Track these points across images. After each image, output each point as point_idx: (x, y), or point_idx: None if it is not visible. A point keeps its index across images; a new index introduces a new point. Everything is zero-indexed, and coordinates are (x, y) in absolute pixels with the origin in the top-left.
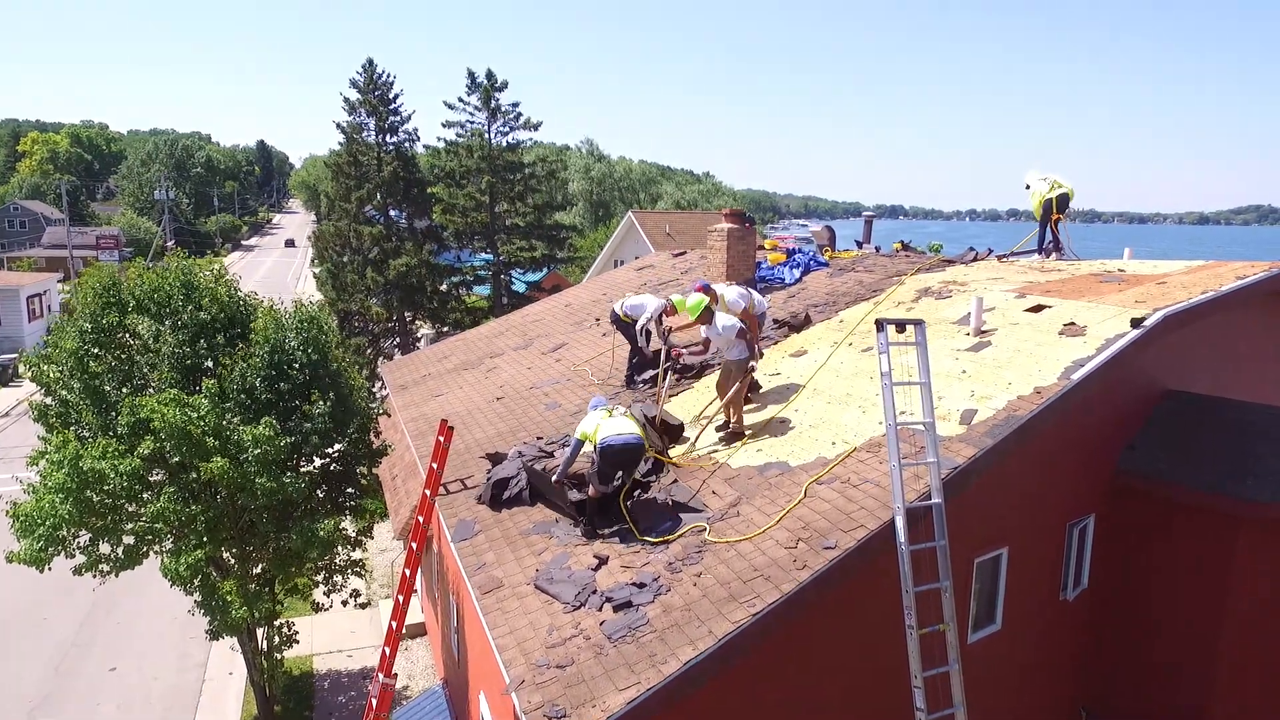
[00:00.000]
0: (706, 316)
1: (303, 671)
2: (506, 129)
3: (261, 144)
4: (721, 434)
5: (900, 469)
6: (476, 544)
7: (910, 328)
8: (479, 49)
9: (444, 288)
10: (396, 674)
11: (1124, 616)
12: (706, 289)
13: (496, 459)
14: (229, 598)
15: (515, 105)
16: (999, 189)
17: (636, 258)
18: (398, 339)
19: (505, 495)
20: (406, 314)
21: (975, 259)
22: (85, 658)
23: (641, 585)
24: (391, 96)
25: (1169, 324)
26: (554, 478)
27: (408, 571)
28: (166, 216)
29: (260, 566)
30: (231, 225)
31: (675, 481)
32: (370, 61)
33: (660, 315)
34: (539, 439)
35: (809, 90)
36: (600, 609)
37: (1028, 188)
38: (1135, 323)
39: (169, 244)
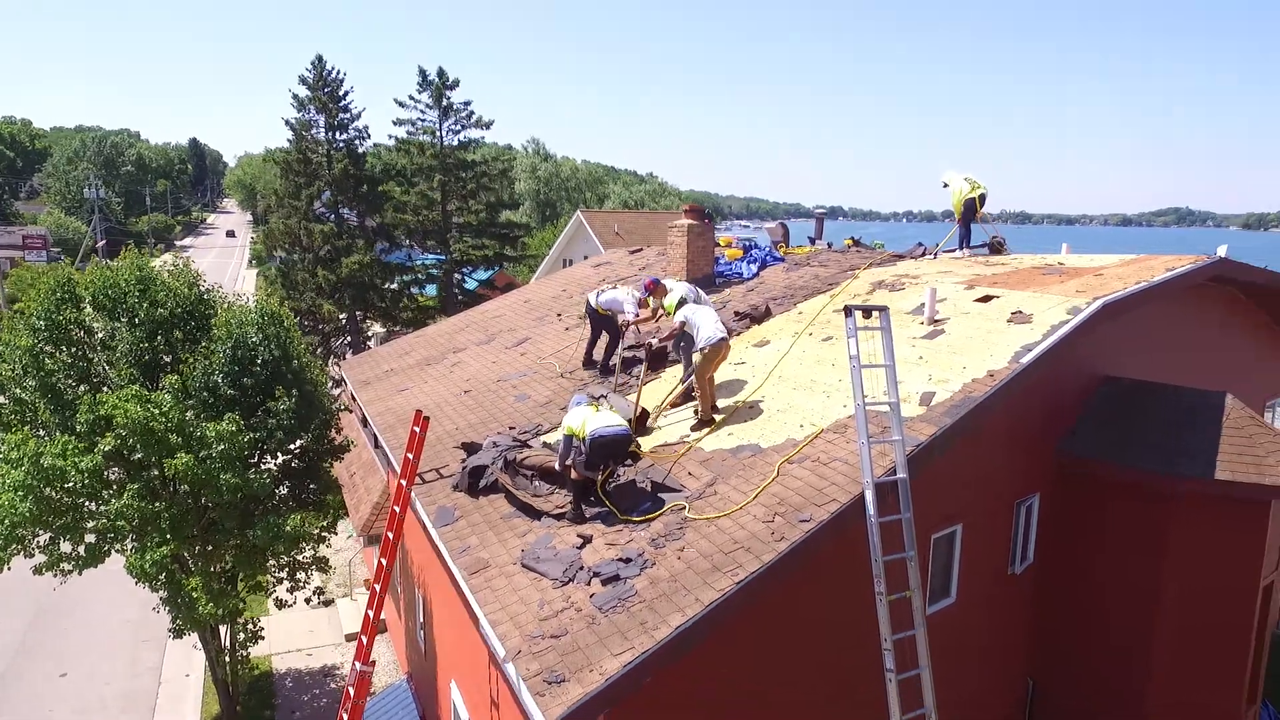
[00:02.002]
0: (679, 306)
1: (262, 671)
2: (458, 127)
3: (194, 142)
4: (693, 420)
5: (869, 446)
6: (459, 529)
7: (876, 314)
8: (418, 45)
9: (395, 286)
10: (375, 661)
11: (1067, 591)
12: (657, 284)
13: (471, 448)
14: (194, 594)
15: (467, 104)
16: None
17: (586, 256)
18: (348, 338)
19: (482, 483)
20: (358, 313)
21: (923, 254)
22: (32, 665)
23: (628, 560)
24: (341, 94)
25: (1106, 312)
26: (556, 466)
27: (383, 561)
28: (97, 216)
29: (223, 564)
30: (164, 225)
31: (652, 465)
32: (320, 58)
33: (634, 315)
34: (511, 429)
35: (751, 94)
36: (589, 583)
37: (945, 185)
38: (1075, 311)
39: (100, 243)
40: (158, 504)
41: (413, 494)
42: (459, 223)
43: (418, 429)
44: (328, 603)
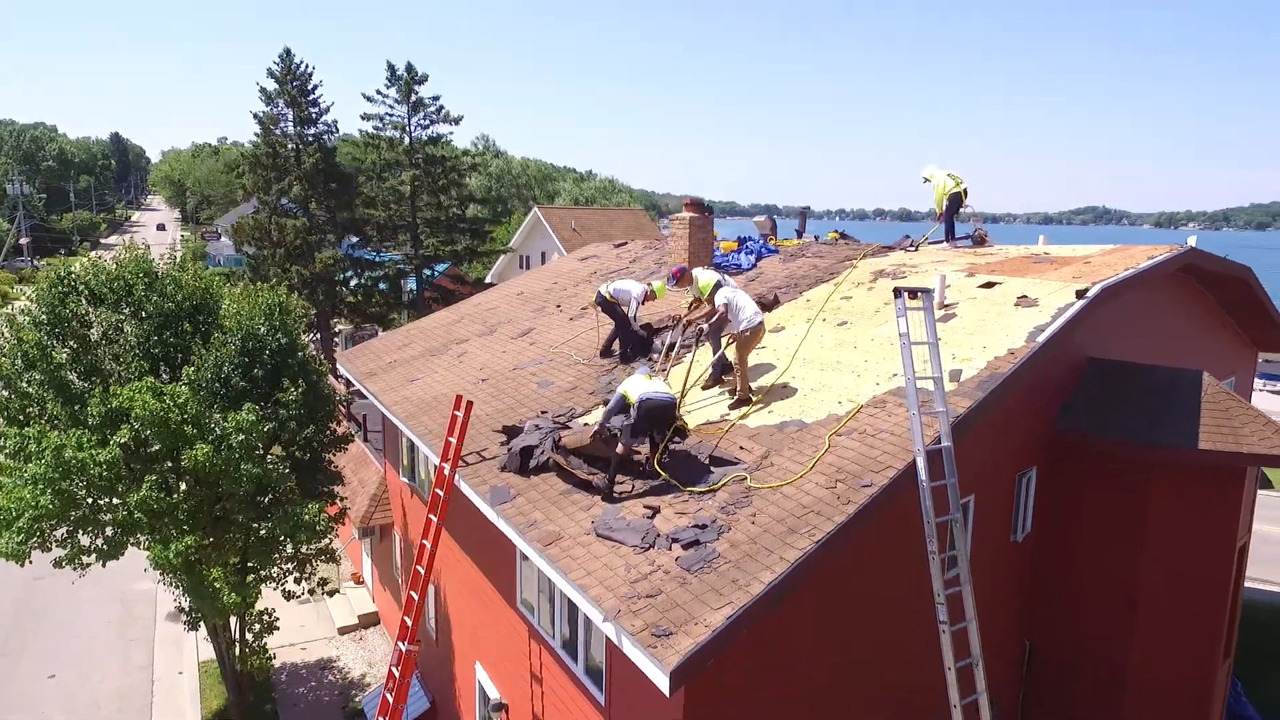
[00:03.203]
0: (715, 290)
1: (261, 665)
2: (427, 122)
3: (116, 137)
4: (731, 399)
5: (919, 416)
6: (519, 506)
7: (921, 296)
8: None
9: (365, 282)
10: (420, 640)
11: (1060, 556)
12: (684, 272)
13: (513, 431)
14: (218, 585)
15: (436, 98)
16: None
17: (543, 253)
18: (317, 334)
19: (533, 463)
20: (327, 309)
21: (911, 246)
22: (17, 668)
23: (703, 526)
24: (310, 87)
25: (1104, 296)
26: (597, 424)
27: (427, 543)
28: (21, 213)
29: (237, 555)
30: (89, 223)
31: (700, 441)
32: (288, 51)
33: (644, 299)
34: (543, 413)
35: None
36: (670, 548)
37: (926, 180)
38: (1080, 294)
39: (24, 240)
40: (175, 496)
41: (457, 476)
42: (428, 218)
43: (459, 413)
44: (332, 593)
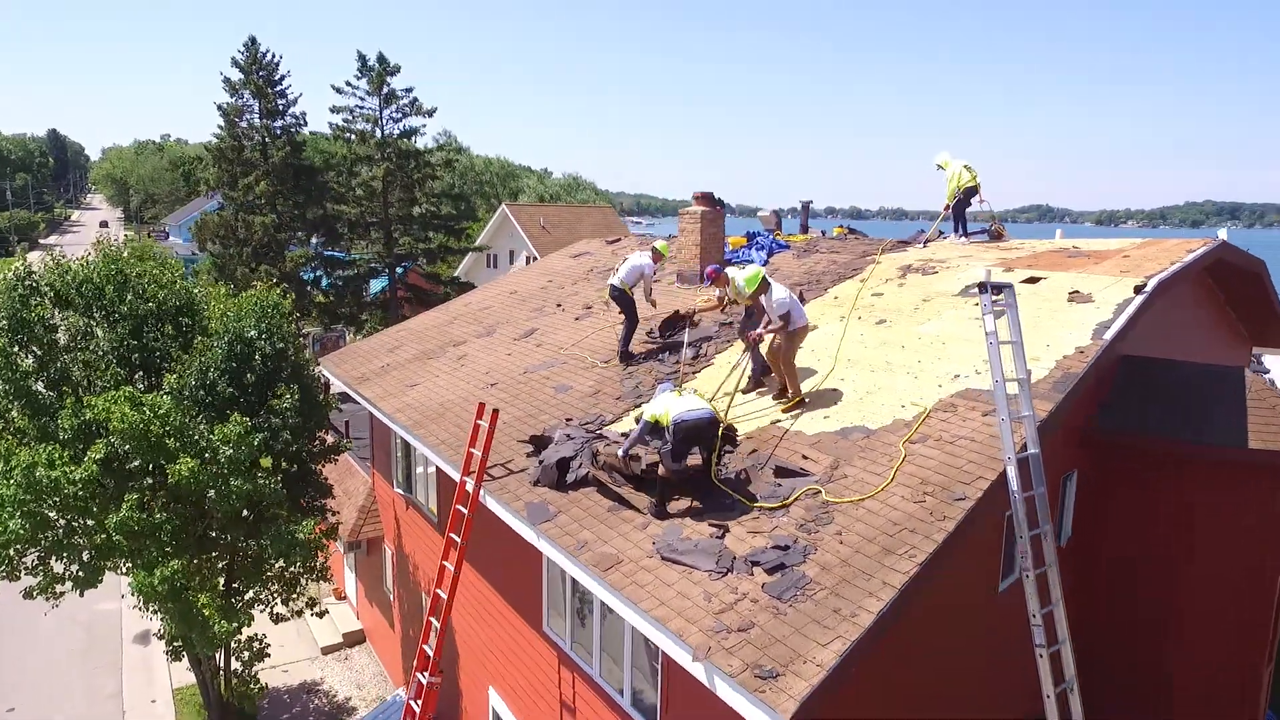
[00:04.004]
0: (764, 287)
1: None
2: (400, 115)
3: (53, 133)
4: (781, 403)
5: (1010, 422)
6: (563, 525)
7: (1003, 292)
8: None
9: (336, 282)
10: (443, 671)
11: (1100, 560)
12: (720, 272)
13: (541, 442)
14: (207, 612)
15: (409, 90)
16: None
17: (511, 251)
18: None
19: (571, 477)
20: (298, 310)
21: (926, 241)
22: None
23: (785, 548)
24: (277, 78)
25: (1157, 290)
26: (619, 452)
27: (449, 565)
28: None
29: (222, 577)
30: (28, 222)
31: (754, 451)
32: (253, 39)
33: (655, 266)
34: (568, 420)
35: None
36: (751, 573)
37: (940, 168)
38: (1138, 289)
39: None
40: (158, 515)
41: (483, 490)
42: (401, 214)
43: (482, 422)
44: (322, 614)
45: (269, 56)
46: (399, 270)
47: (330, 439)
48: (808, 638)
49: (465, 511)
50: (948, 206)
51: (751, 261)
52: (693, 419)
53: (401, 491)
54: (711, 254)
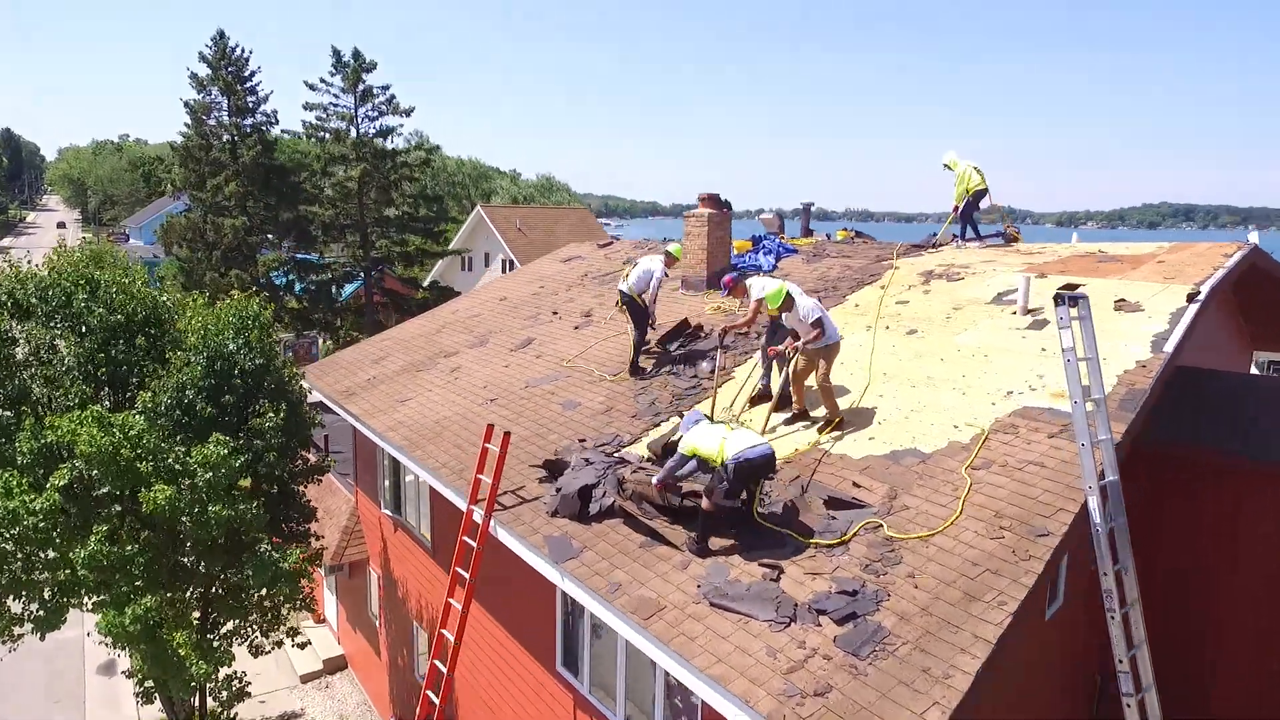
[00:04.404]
0: (788, 304)
1: None
2: (376, 114)
3: (7, 133)
4: (819, 424)
5: (1092, 447)
6: (589, 562)
7: (1078, 303)
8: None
9: (309, 286)
10: None
11: (1153, 573)
12: (738, 280)
13: (556, 466)
14: (183, 651)
15: (386, 88)
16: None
17: (486, 253)
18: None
19: (595, 507)
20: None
21: (937, 245)
22: None
23: (853, 593)
24: (247, 74)
25: (1207, 297)
26: (655, 480)
27: (455, 603)
28: None
29: (198, 609)
30: None
31: (796, 478)
32: (221, 33)
33: (667, 271)
34: (581, 441)
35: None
36: (818, 623)
37: (947, 168)
38: (1191, 297)
39: None
40: (130, 547)
41: (494, 522)
42: (378, 216)
43: (492, 446)
44: (304, 645)
45: (238, 51)
46: (374, 274)
47: (312, 457)
48: (899, 704)
49: (474, 544)
50: (956, 208)
51: (759, 266)
52: (757, 456)
53: (390, 513)
54: (718, 258)
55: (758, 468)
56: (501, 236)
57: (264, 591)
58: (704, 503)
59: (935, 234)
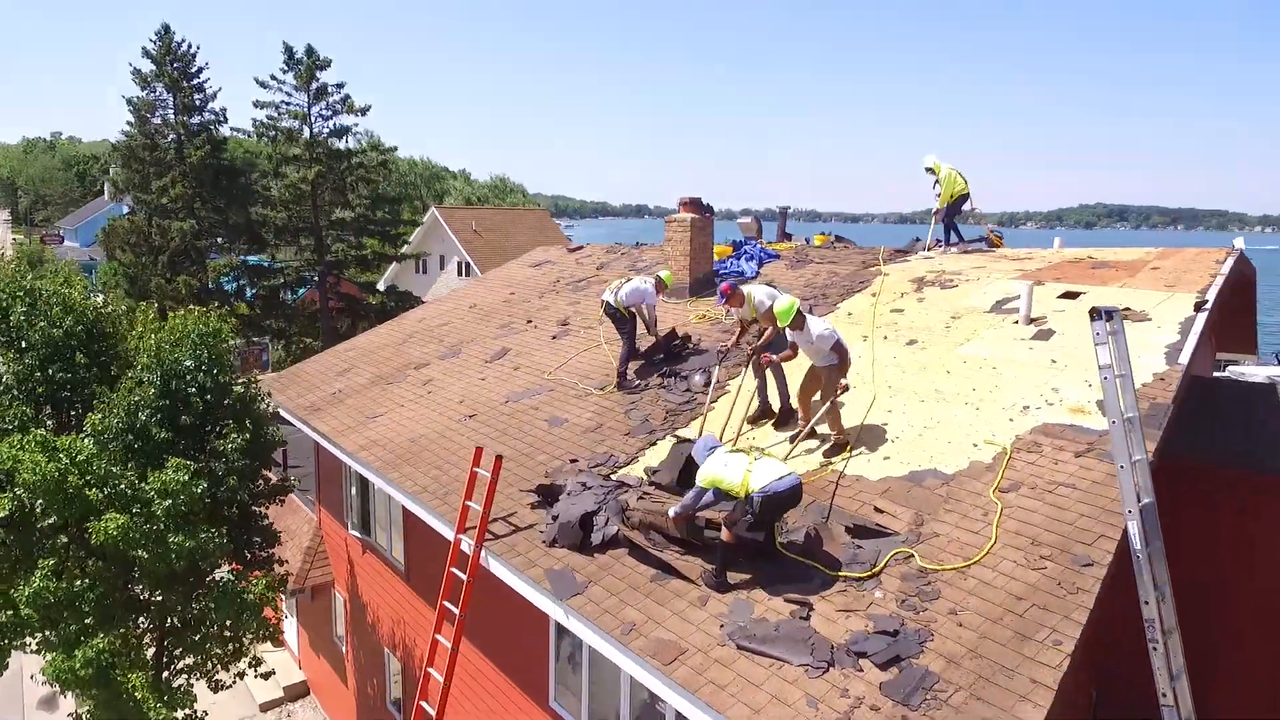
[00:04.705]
0: (799, 321)
1: None
2: (330, 113)
3: None
4: (825, 446)
5: (1132, 469)
6: (598, 599)
7: (1113, 317)
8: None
9: (261, 291)
10: None
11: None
12: (735, 290)
13: (550, 492)
14: (140, 694)
15: (340, 86)
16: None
17: (441, 256)
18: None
19: (598, 537)
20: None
21: (922, 249)
22: None
23: (893, 633)
24: (194, 70)
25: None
26: (671, 512)
27: (443, 639)
28: None
29: (156, 646)
30: None
31: (812, 502)
32: (166, 27)
33: (655, 300)
34: (573, 461)
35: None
36: (859, 668)
37: (930, 170)
38: (1198, 306)
39: None
40: (79, 582)
41: (486, 553)
42: (333, 219)
43: (482, 470)
44: (267, 675)
45: (184, 46)
46: (329, 279)
47: (273, 475)
48: None
49: (464, 577)
50: (939, 212)
51: (741, 272)
52: (786, 488)
53: (358, 534)
54: (701, 264)
55: (785, 500)
56: (457, 239)
57: (233, 624)
58: (724, 534)
59: (918, 238)
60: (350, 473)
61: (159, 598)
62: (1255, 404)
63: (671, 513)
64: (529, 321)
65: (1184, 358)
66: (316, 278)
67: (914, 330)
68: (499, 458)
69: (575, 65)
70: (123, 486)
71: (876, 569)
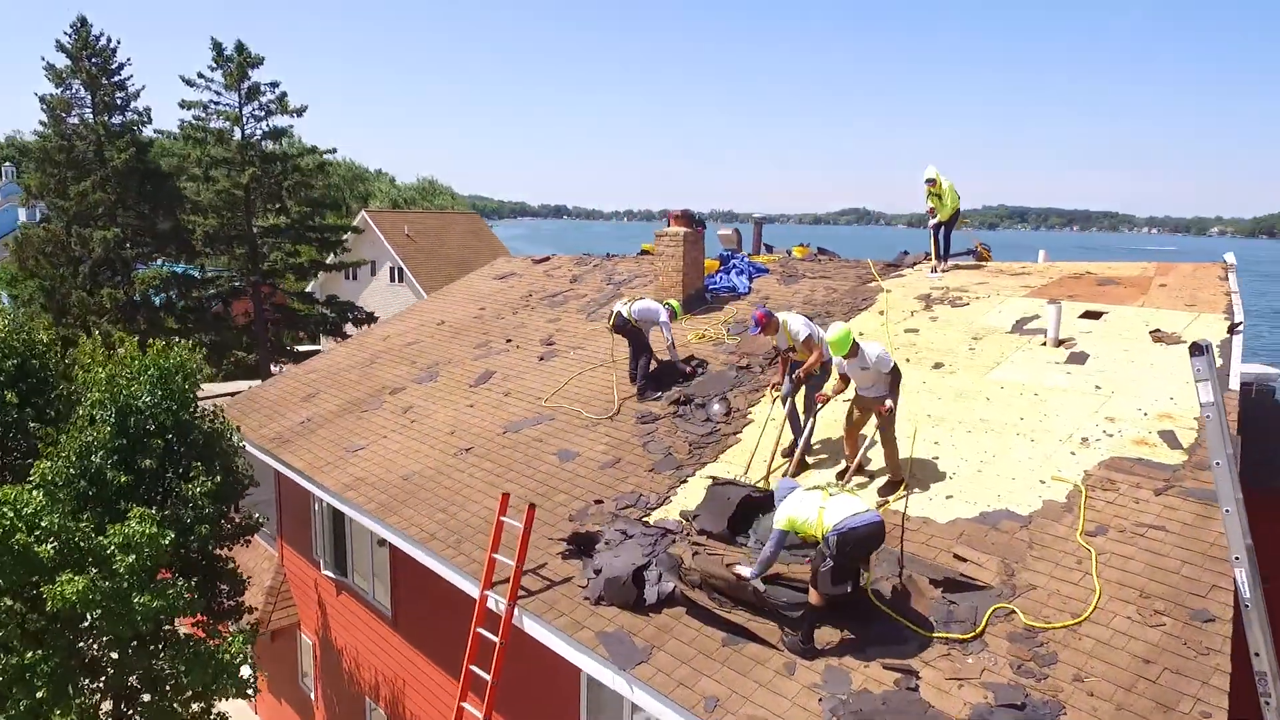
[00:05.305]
0: (854, 349)
1: None
2: (264, 113)
3: None
4: (882, 484)
5: (1241, 513)
6: (665, 667)
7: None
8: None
9: (190, 304)
10: None
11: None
12: (771, 317)
13: (585, 541)
14: None
15: (275, 85)
16: (650, 192)
17: (373, 261)
18: None
19: (653, 594)
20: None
21: (914, 263)
22: None
23: (1020, 706)
24: (114, 66)
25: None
26: (750, 574)
27: (473, 710)
28: None
29: (114, 711)
30: None
31: (881, 548)
32: (83, 19)
33: (669, 327)
34: (598, 502)
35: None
36: None
37: (930, 181)
38: (1232, 329)
39: None
40: (31, 653)
41: (521, 612)
42: (268, 226)
43: (512, 520)
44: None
45: (103, 40)
46: (265, 288)
47: (236, 515)
48: None
49: (495, 639)
50: (939, 226)
51: (733, 287)
52: (861, 525)
53: (332, 574)
54: (693, 280)
55: (864, 540)
56: (389, 243)
57: (229, 686)
58: (811, 596)
59: (905, 251)
60: (323, 506)
61: (114, 656)
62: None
63: (748, 573)
64: (508, 341)
65: (1234, 383)
66: (250, 288)
67: (936, 352)
68: (532, 506)
69: (490, 62)
70: (77, 540)
71: (979, 629)
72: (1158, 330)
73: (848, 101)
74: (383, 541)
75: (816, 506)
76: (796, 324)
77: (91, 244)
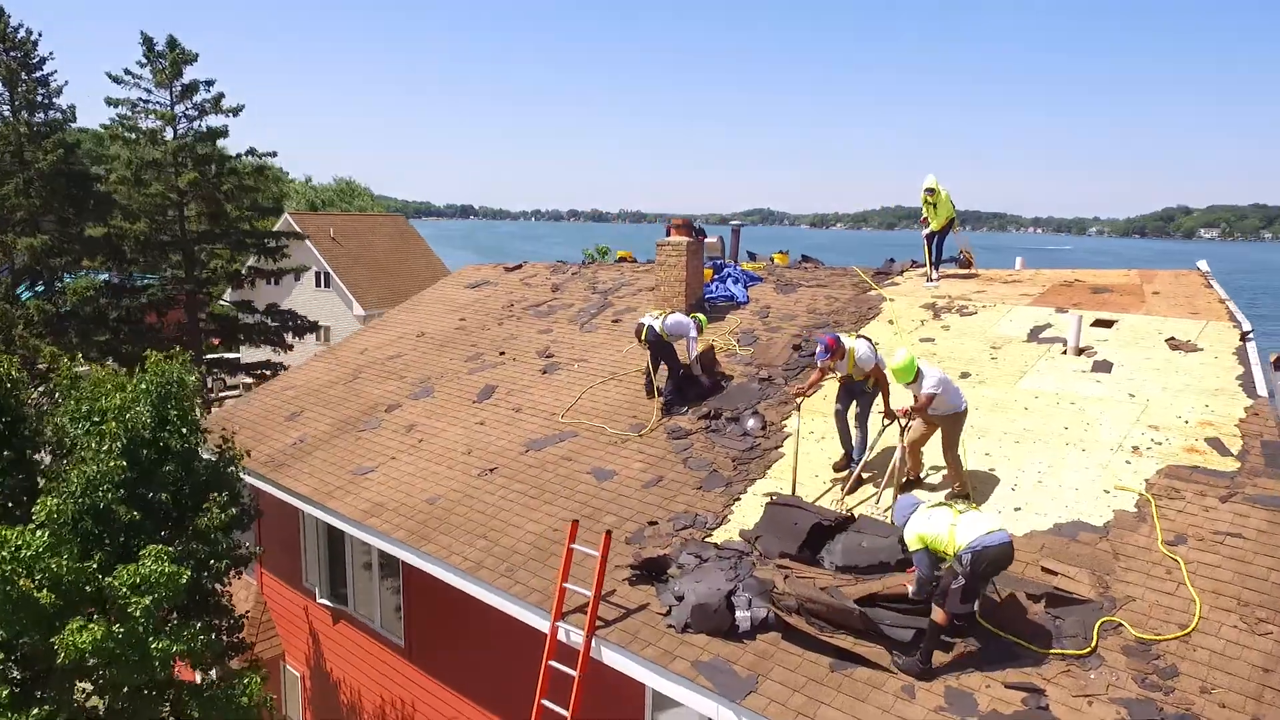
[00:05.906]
0: (918, 376)
1: None
2: (198, 113)
3: None
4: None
5: None
6: (778, 697)
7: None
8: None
9: (122, 314)
10: None
11: None
12: (839, 342)
13: (656, 566)
14: None
15: (210, 83)
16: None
17: (299, 265)
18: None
19: (747, 621)
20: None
21: (902, 270)
22: None
23: None
24: (36, 60)
25: None
26: (912, 592)
27: None
28: None
29: None
30: None
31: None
32: None
33: (696, 340)
34: (652, 524)
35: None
36: None
37: (930, 190)
38: (1244, 336)
39: None
40: (37, 710)
41: (600, 643)
42: (204, 231)
43: (582, 547)
44: None
45: (23, 32)
46: (200, 297)
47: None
48: None
49: (572, 673)
50: (934, 235)
51: (733, 296)
52: (995, 544)
53: (328, 602)
54: (695, 291)
55: (997, 559)
56: (315, 247)
57: None
58: (936, 614)
59: (892, 259)
60: (318, 526)
61: (118, 707)
62: None
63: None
64: (501, 353)
65: (1261, 389)
66: (185, 297)
67: (959, 362)
68: (608, 533)
69: (392, 60)
70: (90, 585)
71: (1094, 644)
72: (1173, 338)
73: (752, 100)
74: (385, 566)
75: (948, 524)
76: (863, 350)
77: (15, 252)
